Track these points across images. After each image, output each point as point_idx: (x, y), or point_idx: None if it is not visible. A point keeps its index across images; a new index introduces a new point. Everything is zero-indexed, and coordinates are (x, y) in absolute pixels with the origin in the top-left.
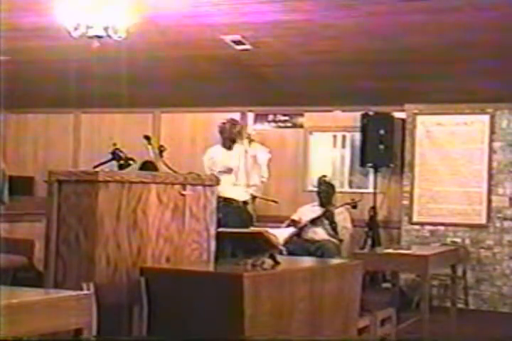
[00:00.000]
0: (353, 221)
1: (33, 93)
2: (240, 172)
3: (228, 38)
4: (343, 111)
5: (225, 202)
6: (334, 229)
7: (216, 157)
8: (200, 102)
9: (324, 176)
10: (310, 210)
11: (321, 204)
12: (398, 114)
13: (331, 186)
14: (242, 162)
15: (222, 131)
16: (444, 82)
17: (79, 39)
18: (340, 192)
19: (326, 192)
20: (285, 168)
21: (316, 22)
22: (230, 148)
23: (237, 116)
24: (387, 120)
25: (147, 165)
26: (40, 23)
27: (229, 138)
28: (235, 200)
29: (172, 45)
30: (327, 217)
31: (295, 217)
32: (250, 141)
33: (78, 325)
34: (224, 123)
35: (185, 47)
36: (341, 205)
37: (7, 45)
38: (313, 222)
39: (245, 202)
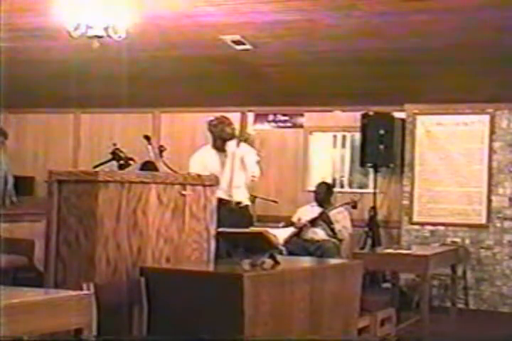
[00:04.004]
0: (353, 221)
1: (33, 93)
2: (225, 175)
3: (228, 38)
4: (343, 111)
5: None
6: (332, 230)
7: (206, 161)
8: (200, 102)
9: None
10: (309, 210)
11: (319, 205)
12: (398, 114)
13: (328, 187)
14: (229, 165)
15: (213, 130)
16: (444, 82)
17: (79, 39)
18: (340, 192)
19: (320, 193)
20: (285, 168)
21: (316, 22)
22: (221, 149)
23: (237, 116)
24: (387, 120)
25: (148, 166)
26: (40, 23)
27: (221, 137)
28: (228, 201)
29: (172, 45)
30: (323, 219)
31: (294, 218)
32: (240, 141)
33: (78, 325)
34: (216, 119)
35: (185, 47)
36: (341, 205)
37: (7, 45)
38: (313, 222)
39: (239, 203)
